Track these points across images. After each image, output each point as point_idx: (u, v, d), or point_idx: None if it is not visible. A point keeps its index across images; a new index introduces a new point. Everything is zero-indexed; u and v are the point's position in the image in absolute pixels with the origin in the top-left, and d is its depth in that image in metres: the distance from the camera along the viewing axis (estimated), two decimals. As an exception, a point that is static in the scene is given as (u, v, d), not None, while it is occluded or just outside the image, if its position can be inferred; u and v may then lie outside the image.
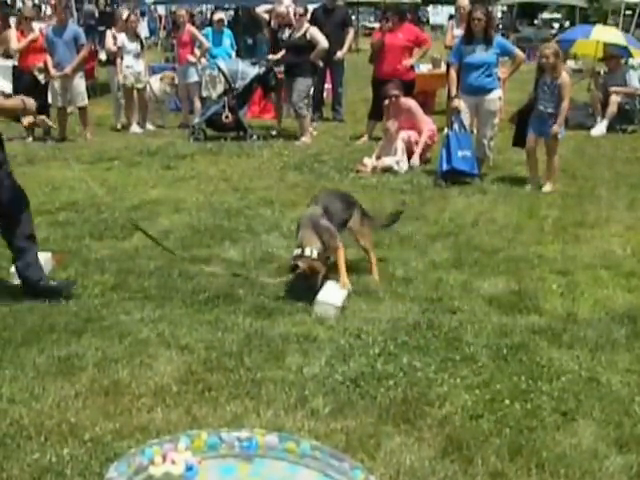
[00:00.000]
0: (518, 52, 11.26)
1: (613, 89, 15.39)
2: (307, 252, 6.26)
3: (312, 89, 14.00)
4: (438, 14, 40.38)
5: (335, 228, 6.55)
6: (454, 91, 10.78)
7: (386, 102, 11.98)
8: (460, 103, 10.64)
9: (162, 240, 7.40)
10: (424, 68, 14.39)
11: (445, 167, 10.48)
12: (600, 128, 15.04)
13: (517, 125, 10.81)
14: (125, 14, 15.24)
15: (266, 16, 15.75)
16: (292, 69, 13.62)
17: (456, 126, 10.62)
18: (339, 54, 15.28)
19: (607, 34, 17.72)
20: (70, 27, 13.95)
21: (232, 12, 23.90)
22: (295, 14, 13.87)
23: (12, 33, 14.43)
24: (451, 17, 12.76)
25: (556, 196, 9.94)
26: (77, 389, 4.84)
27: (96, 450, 4.13)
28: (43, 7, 31.15)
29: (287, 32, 14.05)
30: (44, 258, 6.97)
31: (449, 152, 10.44)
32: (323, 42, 13.66)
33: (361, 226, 6.94)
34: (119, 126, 15.02)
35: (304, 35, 13.62)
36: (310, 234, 6.38)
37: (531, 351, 5.45)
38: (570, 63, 23.34)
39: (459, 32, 12.83)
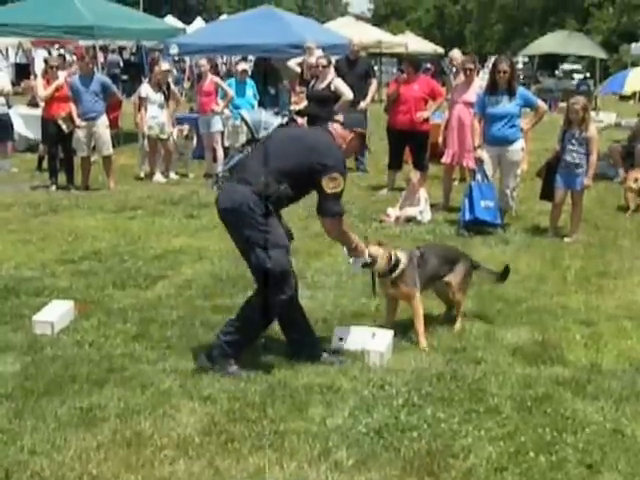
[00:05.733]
0: (540, 103, 11.28)
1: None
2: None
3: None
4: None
5: (420, 275, 6.61)
6: (477, 142, 10.79)
7: None
8: (483, 153, 10.66)
9: (185, 289, 7.39)
10: (438, 118, 14.43)
11: (468, 217, 10.48)
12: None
13: (545, 179, 10.77)
14: (165, 66, 15.41)
15: (297, 68, 15.84)
16: (315, 119, 13.67)
17: (479, 176, 10.64)
18: (362, 105, 15.33)
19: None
20: (97, 77, 14.13)
21: (252, 62, 24.13)
22: (319, 65, 13.95)
23: (38, 81, 14.65)
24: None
25: (579, 246, 9.92)
26: (99, 440, 4.83)
27: (118, 502, 4.12)
28: (68, 57, 31.59)
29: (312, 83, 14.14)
30: (67, 307, 7.01)
31: (472, 202, 10.44)
32: (348, 93, 13.74)
33: (460, 282, 6.96)
34: (142, 174, 15.10)
35: (328, 86, 13.70)
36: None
37: (555, 402, 5.41)
38: (592, 114, 23.39)
39: (455, 83, 13.33)
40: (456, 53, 14.54)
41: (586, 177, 10.12)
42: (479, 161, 10.72)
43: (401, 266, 6.49)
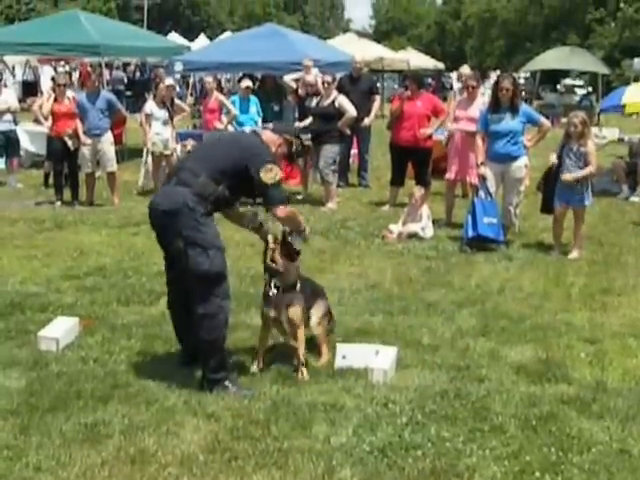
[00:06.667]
0: (544, 121, 11.30)
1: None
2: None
3: (339, 156, 14.07)
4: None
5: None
6: (481, 158, 10.81)
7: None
8: (486, 170, 10.68)
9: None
10: (441, 135, 14.48)
11: (471, 234, 10.49)
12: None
13: (543, 192, 10.82)
14: (168, 82, 15.48)
15: (293, 84, 15.90)
16: (319, 136, 13.71)
17: (482, 193, 10.66)
18: (366, 121, 15.42)
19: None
20: (103, 94, 14.21)
21: (258, 79, 24.19)
22: (323, 82, 14.00)
23: (44, 99, 14.70)
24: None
25: (582, 263, 9.92)
26: (103, 457, 4.84)
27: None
28: (74, 74, 31.73)
29: (315, 100, 14.16)
30: (72, 323, 7.03)
31: (475, 219, 10.45)
32: (351, 110, 13.79)
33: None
34: (141, 188, 15.09)
35: (332, 103, 13.75)
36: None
37: (560, 421, 5.40)
38: (595, 130, 23.42)
39: (459, 98, 13.53)
40: (466, 69, 14.56)
41: (570, 175, 10.17)
42: (482, 178, 10.74)
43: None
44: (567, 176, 10.16)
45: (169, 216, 5.79)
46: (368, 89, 15.92)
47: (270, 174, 5.82)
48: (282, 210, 5.99)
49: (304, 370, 6.18)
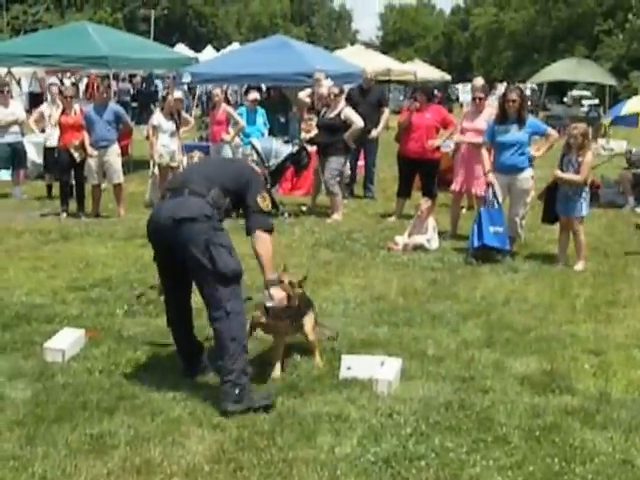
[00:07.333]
0: (551, 131, 11.27)
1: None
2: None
3: (345, 167, 14.08)
4: (467, 92, 40.69)
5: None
6: (488, 167, 10.83)
7: None
8: (494, 178, 10.68)
9: (195, 316, 7.39)
10: (447, 148, 14.52)
11: (476, 244, 10.50)
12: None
13: (545, 202, 10.84)
14: (177, 94, 15.57)
15: (308, 100, 15.92)
16: (325, 148, 13.75)
17: (490, 197, 10.64)
18: (374, 133, 15.46)
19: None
20: (111, 106, 14.26)
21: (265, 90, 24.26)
22: (330, 94, 14.02)
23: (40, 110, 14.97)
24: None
25: (588, 274, 9.93)
26: (109, 468, 4.86)
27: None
28: (81, 86, 31.83)
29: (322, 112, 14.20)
30: (78, 335, 7.06)
31: (480, 228, 10.46)
32: (358, 122, 13.79)
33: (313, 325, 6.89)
34: (149, 201, 15.12)
35: (338, 115, 13.76)
36: None
37: (564, 432, 5.42)
38: (602, 142, 23.42)
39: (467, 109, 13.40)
40: (479, 81, 14.56)
41: (562, 174, 10.24)
42: (490, 185, 10.73)
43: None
44: (558, 172, 10.22)
45: (187, 223, 5.84)
46: (377, 101, 15.97)
47: (265, 202, 6.20)
48: (267, 238, 6.21)
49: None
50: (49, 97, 16.96)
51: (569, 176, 10.15)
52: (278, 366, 6.49)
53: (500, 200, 10.71)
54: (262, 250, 6.17)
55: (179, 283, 6.25)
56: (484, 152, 11.01)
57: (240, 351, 5.80)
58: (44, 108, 16.33)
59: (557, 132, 11.62)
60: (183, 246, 5.88)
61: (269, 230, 6.23)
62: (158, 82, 36.87)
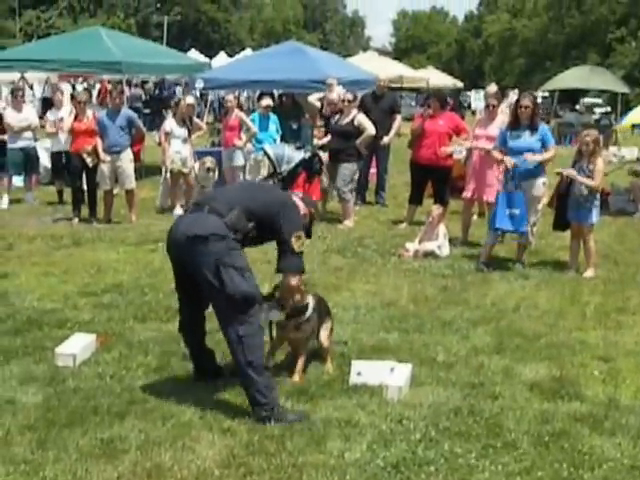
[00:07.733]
0: (551, 148, 10.93)
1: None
2: None
3: (357, 174, 14.09)
4: (479, 99, 40.74)
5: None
6: (500, 156, 10.70)
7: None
8: (510, 160, 10.53)
9: (207, 319, 7.44)
10: (459, 155, 14.54)
11: (494, 226, 10.56)
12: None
13: (557, 209, 10.82)
14: (189, 100, 15.63)
15: (318, 104, 15.95)
16: (338, 154, 13.76)
17: (508, 184, 10.55)
18: (386, 139, 15.45)
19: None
20: (124, 112, 14.29)
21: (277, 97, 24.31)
22: (344, 100, 14.03)
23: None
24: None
25: (598, 282, 9.93)
26: (120, 472, 4.89)
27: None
28: (93, 92, 31.93)
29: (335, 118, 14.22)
30: (89, 340, 7.09)
31: (496, 212, 10.48)
32: (370, 129, 13.81)
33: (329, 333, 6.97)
34: (160, 207, 15.18)
35: (351, 121, 13.78)
36: None
37: (573, 438, 5.43)
38: (613, 149, 23.41)
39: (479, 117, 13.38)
40: (493, 87, 14.57)
41: (568, 172, 10.23)
42: (506, 169, 10.59)
43: (309, 311, 6.54)
44: (572, 172, 10.22)
45: (199, 241, 5.77)
46: (389, 108, 15.95)
47: (299, 242, 6.00)
48: (295, 279, 6.17)
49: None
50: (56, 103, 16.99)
51: (583, 179, 10.15)
52: (299, 371, 6.53)
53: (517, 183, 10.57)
54: (293, 292, 6.32)
55: (194, 296, 6.20)
56: (496, 153, 10.87)
57: (259, 372, 5.75)
58: (49, 114, 16.38)
59: (568, 140, 11.60)
60: (194, 264, 5.85)
61: (299, 272, 6.19)
62: (177, 88, 36.88)
